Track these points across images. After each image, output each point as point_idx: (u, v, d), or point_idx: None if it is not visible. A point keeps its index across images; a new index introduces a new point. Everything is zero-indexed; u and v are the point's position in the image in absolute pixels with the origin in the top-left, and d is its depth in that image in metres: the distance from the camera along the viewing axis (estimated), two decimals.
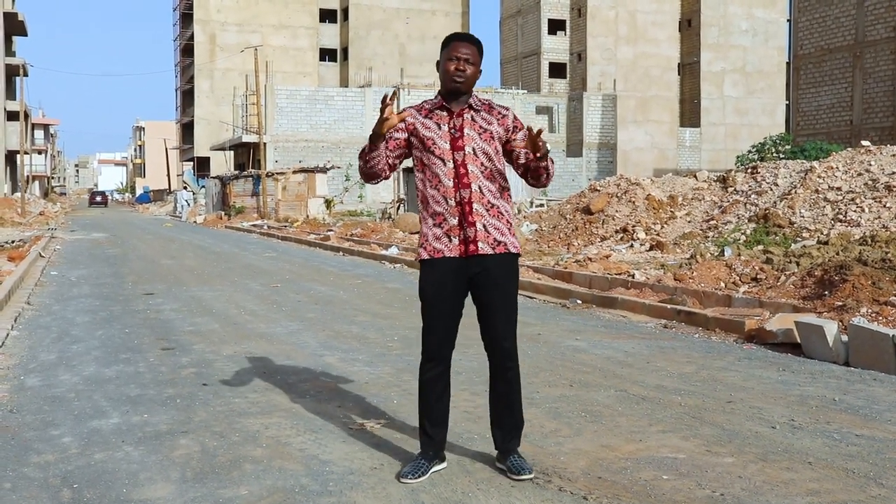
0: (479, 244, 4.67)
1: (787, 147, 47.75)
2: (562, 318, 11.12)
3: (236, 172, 55.14)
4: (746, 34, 76.08)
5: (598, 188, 26.21)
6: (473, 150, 4.70)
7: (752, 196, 22.10)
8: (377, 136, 4.61)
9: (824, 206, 20.01)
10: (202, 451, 5.29)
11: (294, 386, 7.11)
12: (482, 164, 4.70)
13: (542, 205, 33.85)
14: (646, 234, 21.60)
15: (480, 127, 4.74)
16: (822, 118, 55.26)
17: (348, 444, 5.41)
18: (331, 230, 31.92)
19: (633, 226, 22.30)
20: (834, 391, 6.78)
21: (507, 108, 4.86)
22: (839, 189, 20.65)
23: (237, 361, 8.21)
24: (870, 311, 9.26)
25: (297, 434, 5.67)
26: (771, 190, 22.05)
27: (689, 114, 76.00)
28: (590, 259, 16.27)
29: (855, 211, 19.13)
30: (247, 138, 60.12)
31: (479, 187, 4.69)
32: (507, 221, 4.77)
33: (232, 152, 69.29)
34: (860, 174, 21.08)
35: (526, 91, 68.17)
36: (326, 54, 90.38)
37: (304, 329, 10.22)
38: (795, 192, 21.03)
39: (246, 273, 17.54)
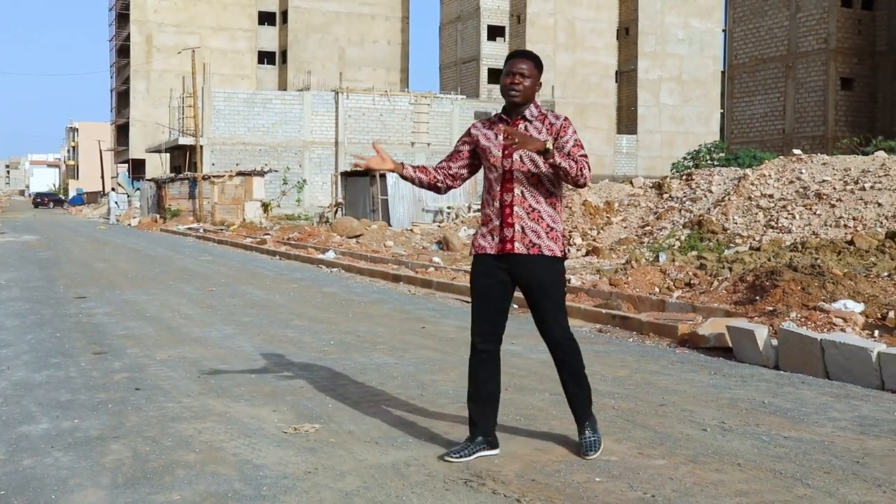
0: (515, 244, 5.06)
1: (722, 155, 48.46)
2: None
3: (172, 175, 54.52)
4: (683, 43, 77.16)
5: None
6: (521, 157, 5.07)
7: (687, 202, 22.41)
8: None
9: (757, 213, 20.36)
10: (134, 457, 5.23)
11: (228, 390, 7.05)
12: (529, 170, 5.07)
13: (479, 210, 33.94)
14: (582, 239, 21.79)
15: (530, 136, 5.01)
16: (756, 127, 56.22)
17: (282, 449, 5.38)
18: (268, 234, 31.70)
19: (570, 231, 22.47)
20: (764, 394, 6.90)
21: (559, 118, 5.16)
22: (771, 196, 21.01)
23: (171, 366, 8.12)
24: (799, 315, 9.44)
25: (230, 438, 5.62)
26: (705, 197, 22.38)
27: (627, 121, 76.85)
28: None
29: (786, 218, 19.48)
30: (183, 141, 59.48)
31: (522, 192, 5.07)
32: (548, 226, 5.10)
33: (168, 155, 68.53)
34: (792, 182, 21.48)
35: (465, 96, 68.33)
36: (265, 57, 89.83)
37: (239, 333, 10.14)
38: (729, 199, 21.37)
39: (181, 277, 17.36)
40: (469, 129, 5.33)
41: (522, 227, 5.05)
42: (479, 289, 5.19)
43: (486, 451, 5.15)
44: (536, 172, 5.06)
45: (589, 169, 5.10)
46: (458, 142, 5.37)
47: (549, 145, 4.91)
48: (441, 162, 5.39)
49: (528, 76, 5.09)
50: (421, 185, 5.36)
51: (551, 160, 4.93)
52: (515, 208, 5.06)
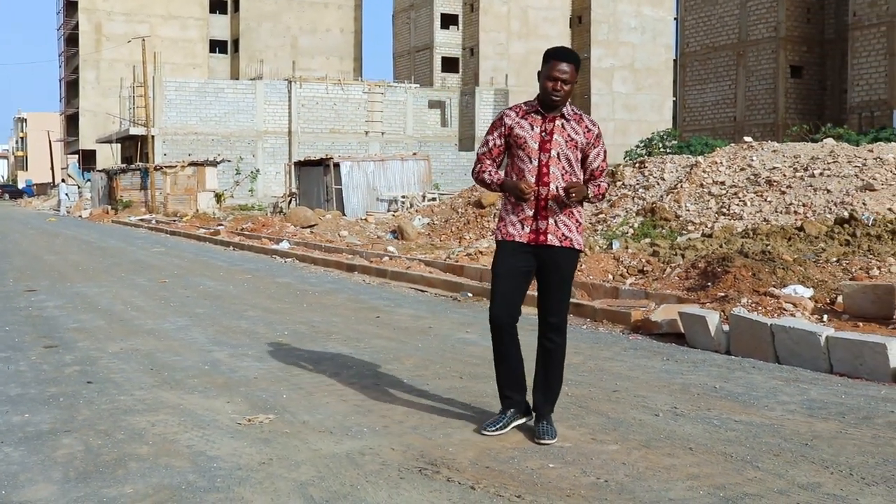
0: (549, 236, 5.29)
1: (674, 142, 48.85)
2: (453, 312, 11.19)
3: (123, 166, 53.88)
4: (635, 31, 77.56)
5: None
6: (558, 154, 5.28)
7: (640, 190, 22.56)
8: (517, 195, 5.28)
9: (709, 200, 20.54)
10: (86, 451, 5.18)
11: (182, 382, 7.01)
12: (563, 167, 5.29)
13: (434, 199, 33.96)
14: None
15: (568, 135, 5.31)
16: (708, 114, 56.71)
17: (237, 440, 5.36)
18: (221, 224, 31.48)
19: None
20: (715, 379, 6.98)
21: (594, 124, 5.44)
22: (723, 183, 21.22)
23: (123, 358, 8.05)
24: (750, 301, 9.55)
25: (184, 430, 5.59)
26: (658, 184, 22.54)
27: (580, 109, 76.69)
28: (481, 252, 16.39)
29: (738, 204, 19.68)
30: (134, 131, 58.87)
31: (557, 187, 5.27)
32: (577, 221, 5.38)
33: (119, 145, 67.78)
34: (743, 169, 21.70)
35: (418, 85, 68.26)
36: (217, 46, 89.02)
37: (192, 325, 10.07)
38: (681, 187, 21.54)
39: (133, 268, 17.19)
40: (501, 118, 5.44)
41: (556, 221, 5.29)
42: (505, 269, 5.36)
43: (519, 419, 5.47)
44: (569, 171, 5.32)
45: (607, 183, 5.55)
46: (491, 134, 5.46)
47: (590, 193, 5.30)
48: (485, 158, 5.49)
49: (569, 81, 5.26)
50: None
51: (586, 199, 5.32)
52: (550, 202, 5.27)
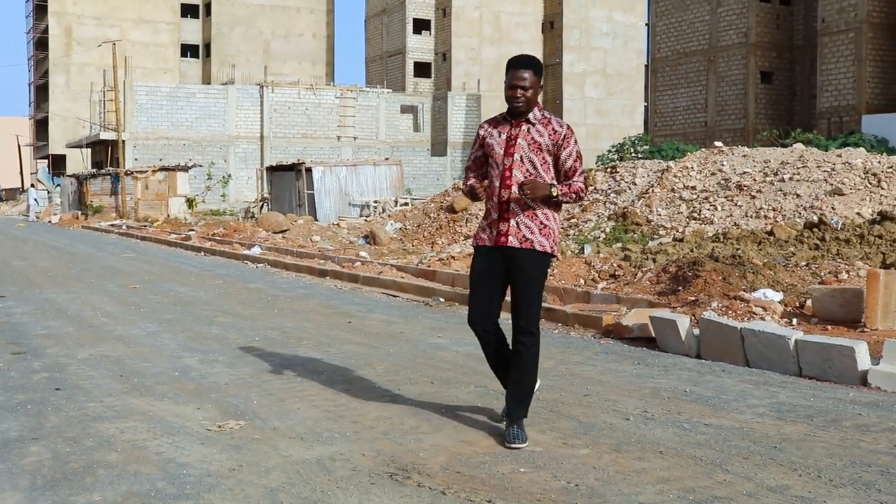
0: (510, 238, 5.40)
1: (646, 147, 49.08)
2: (424, 317, 11.19)
3: (94, 171, 53.49)
4: (607, 37, 77.88)
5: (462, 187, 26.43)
6: (521, 157, 5.39)
7: (612, 195, 22.65)
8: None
9: (680, 205, 20.66)
10: (54, 458, 5.14)
11: (151, 388, 6.96)
12: (527, 170, 5.39)
13: (406, 204, 33.95)
14: None
15: (532, 138, 5.41)
16: (679, 119, 57.01)
17: (206, 446, 5.33)
18: (192, 230, 31.32)
19: None
20: (685, 383, 7.02)
21: (562, 125, 5.47)
22: (694, 188, 21.34)
23: (92, 365, 7.99)
24: (720, 305, 9.61)
25: (153, 437, 5.55)
26: (629, 189, 22.64)
27: (552, 114, 77.25)
28: (453, 257, 16.40)
29: (708, 209, 19.80)
30: (105, 136, 58.42)
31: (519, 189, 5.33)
32: (542, 223, 5.42)
33: (89, 150, 67.22)
34: (713, 174, 21.84)
35: (391, 90, 68.23)
36: (188, 50, 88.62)
37: (162, 331, 10.01)
38: (653, 191, 21.65)
39: (103, 274, 17.07)
40: (478, 131, 5.64)
41: (517, 223, 5.39)
42: (476, 276, 5.56)
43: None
44: (534, 173, 5.39)
45: (585, 183, 5.54)
46: (473, 149, 5.68)
47: (554, 192, 5.34)
48: (469, 171, 5.72)
49: (529, 86, 5.38)
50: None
51: (556, 200, 5.40)
52: (512, 204, 5.38)
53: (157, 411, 6.22)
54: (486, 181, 5.58)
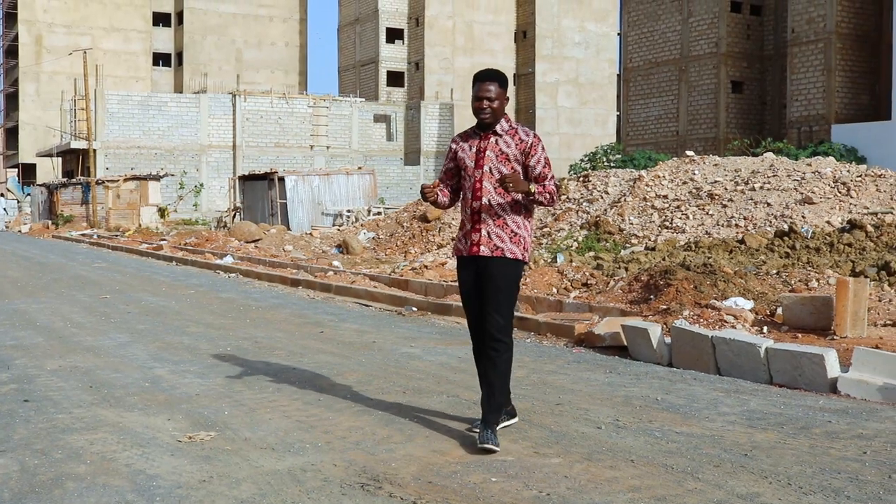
0: (481, 247, 5.57)
1: (618, 156, 49.31)
2: (397, 326, 11.17)
3: (64, 180, 53.10)
4: (579, 46, 78.22)
5: None
6: (490, 168, 5.56)
7: (584, 204, 22.72)
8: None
9: (652, 214, 20.74)
10: (21, 471, 5.08)
11: (121, 400, 6.91)
12: (496, 181, 5.52)
13: (379, 213, 33.92)
14: None
15: (500, 149, 5.58)
16: (651, 128, 57.30)
17: (176, 458, 5.29)
18: (164, 239, 31.15)
19: None
20: (657, 391, 7.04)
21: (528, 133, 5.63)
22: (665, 197, 21.44)
23: (62, 376, 7.92)
24: (692, 313, 9.66)
25: (123, 449, 5.51)
26: (602, 198, 22.71)
27: (525, 123, 77.52)
28: (426, 267, 16.40)
29: (680, 218, 19.89)
30: (76, 144, 58.03)
31: (489, 200, 5.55)
32: (512, 231, 5.59)
33: (60, 159, 66.77)
34: (685, 182, 21.95)
35: (364, 99, 68.17)
36: (160, 59, 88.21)
37: (133, 341, 9.94)
38: (625, 200, 21.73)
39: (74, 284, 16.94)
40: (450, 144, 5.80)
41: (488, 233, 5.56)
42: (463, 288, 5.75)
43: (507, 420, 5.78)
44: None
45: (556, 187, 5.70)
46: (446, 161, 5.83)
47: (532, 188, 5.48)
48: (441, 182, 5.84)
49: (495, 98, 5.55)
50: (439, 206, 5.85)
51: (532, 198, 5.53)
52: (483, 215, 5.56)
53: (127, 422, 6.17)
54: (437, 183, 5.80)
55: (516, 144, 5.58)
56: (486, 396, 5.55)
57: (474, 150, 5.64)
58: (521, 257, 5.60)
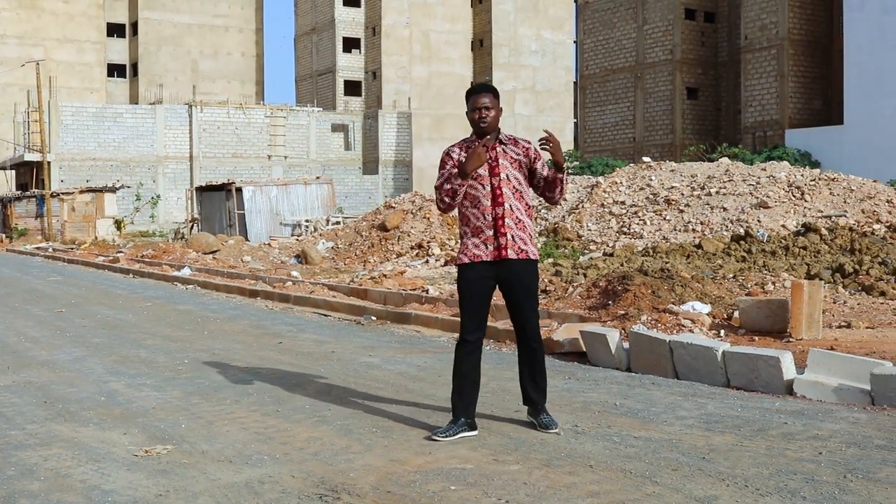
0: (508, 251, 5.82)
1: (576, 163, 49.53)
2: (356, 336, 11.13)
3: (18, 193, 52.43)
4: (536, 54, 78.54)
5: (394, 205, 26.43)
6: (507, 175, 5.86)
7: (543, 210, 22.79)
8: (466, 175, 5.80)
9: (610, 220, 20.86)
10: None
11: (76, 414, 6.82)
12: (513, 187, 5.87)
13: (338, 222, 33.83)
14: (440, 249, 21.91)
15: (511, 157, 5.90)
16: (608, 135, 57.68)
17: (133, 472, 5.23)
18: (121, 252, 30.85)
19: (429, 241, 22.58)
20: (615, 396, 7.06)
21: (528, 141, 5.97)
22: (623, 203, 21.57)
23: (15, 392, 7.80)
24: (650, 318, 9.71)
25: (78, 464, 5.43)
26: (560, 205, 22.79)
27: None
28: (385, 276, 16.36)
29: (638, 223, 20.02)
30: (29, 157, 57.28)
31: (510, 206, 5.85)
32: (529, 234, 5.95)
33: (13, 172, 65.91)
34: (642, 189, 22.11)
35: (321, 109, 67.97)
36: (115, 70, 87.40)
37: (89, 355, 9.82)
38: (583, 207, 21.84)
39: (28, 298, 16.72)
40: (448, 153, 5.96)
41: (513, 236, 5.83)
42: (474, 289, 5.88)
43: (467, 432, 5.82)
44: (519, 189, 5.89)
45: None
46: (444, 167, 5.92)
47: (565, 163, 5.86)
48: (445, 184, 5.93)
49: (491, 108, 5.88)
50: (450, 210, 6.03)
51: (560, 176, 5.91)
52: (506, 220, 5.83)
53: (82, 438, 6.09)
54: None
55: (523, 152, 5.93)
56: (535, 387, 5.99)
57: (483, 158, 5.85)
58: (538, 257, 6.03)
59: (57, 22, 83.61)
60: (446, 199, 5.88)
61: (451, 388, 5.93)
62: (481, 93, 5.92)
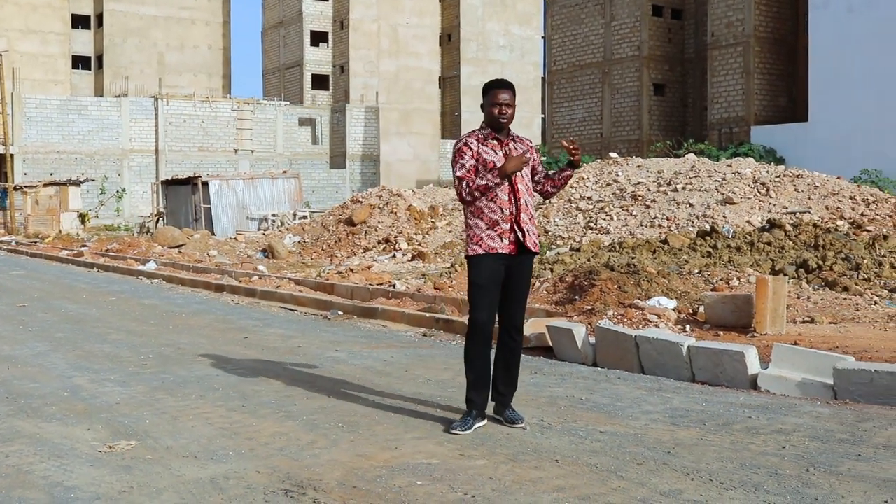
0: (527, 244, 5.95)
1: (543, 158, 49.59)
2: (322, 330, 11.09)
3: None
4: (504, 50, 78.64)
5: (361, 200, 26.37)
6: (522, 172, 5.99)
7: None
8: (508, 177, 5.88)
9: (577, 215, 20.92)
10: None
11: (39, 410, 6.74)
12: (526, 183, 6.05)
13: (305, 217, 33.71)
14: (408, 244, 21.90)
15: (522, 153, 6.02)
16: (575, 131, 57.83)
17: (96, 468, 5.18)
18: (85, 245, 30.56)
19: (396, 236, 22.56)
20: (581, 391, 7.09)
21: (531, 140, 6.08)
22: (590, 198, 21.64)
23: None
24: (616, 313, 9.75)
25: (40, 461, 5.37)
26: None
27: (451, 126, 77.77)
28: (352, 270, 16.33)
29: (604, 219, 20.10)
30: None
31: (525, 201, 6.00)
32: (536, 228, 6.23)
33: None
34: (609, 184, 22.19)
35: (289, 102, 67.71)
36: (80, 62, 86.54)
37: (52, 350, 9.72)
38: (550, 202, 21.87)
39: None
40: (466, 143, 5.98)
41: (528, 231, 5.97)
42: (489, 277, 5.92)
43: (480, 422, 5.92)
44: (529, 185, 6.09)
45: None
46: (463, 158, 5.94)
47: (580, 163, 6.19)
48: (468, 175, 5.94)
49: (510, 104, 6.00)
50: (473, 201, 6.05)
51: (569, 175, 6.18)
52: (522, 214, 5.95)
53: (45, 433, 6.03)
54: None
55: (527, 150, 6.08)
56: (507, 381, 6.06)
57: (501, 153, 5.96)
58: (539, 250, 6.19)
59: (20, 13, 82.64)
60: (476, 194, 5.89)
61: (466, 382, 5.99)
62: (503, 88, 6.01)
